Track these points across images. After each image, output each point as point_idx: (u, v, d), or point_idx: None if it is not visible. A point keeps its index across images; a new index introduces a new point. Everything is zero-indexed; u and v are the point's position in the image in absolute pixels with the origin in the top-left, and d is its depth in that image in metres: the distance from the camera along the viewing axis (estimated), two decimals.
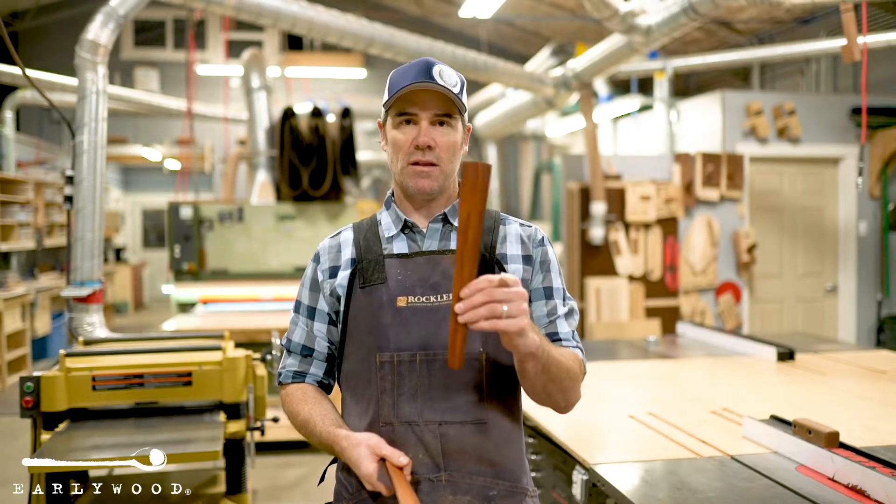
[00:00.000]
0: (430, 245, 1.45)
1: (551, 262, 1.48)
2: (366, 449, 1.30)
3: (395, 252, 1.45)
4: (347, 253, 1.49)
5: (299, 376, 1.54)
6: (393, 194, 1.52)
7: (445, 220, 1.46)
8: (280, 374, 1.56)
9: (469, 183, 1.14)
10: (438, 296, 1.38)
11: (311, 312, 1.51)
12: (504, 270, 1.42)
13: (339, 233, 1.54)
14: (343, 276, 1.46)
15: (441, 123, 1.41)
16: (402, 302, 1.39)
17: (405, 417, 1.37)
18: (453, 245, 1.43)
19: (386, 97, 1.46)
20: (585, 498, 2.06)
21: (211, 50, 11.59)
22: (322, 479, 1.56)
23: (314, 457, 4.71)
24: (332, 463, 1.55)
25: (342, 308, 1.46)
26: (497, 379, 1.40)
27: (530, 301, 1.45)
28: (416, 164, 1.41)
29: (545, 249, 1.48)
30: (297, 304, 1.54)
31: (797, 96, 6.40)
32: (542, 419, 2.36)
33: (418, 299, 1.39)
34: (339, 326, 1.48)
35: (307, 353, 1.53)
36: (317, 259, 1.52)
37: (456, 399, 1.37)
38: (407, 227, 1.47)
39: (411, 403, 1.37)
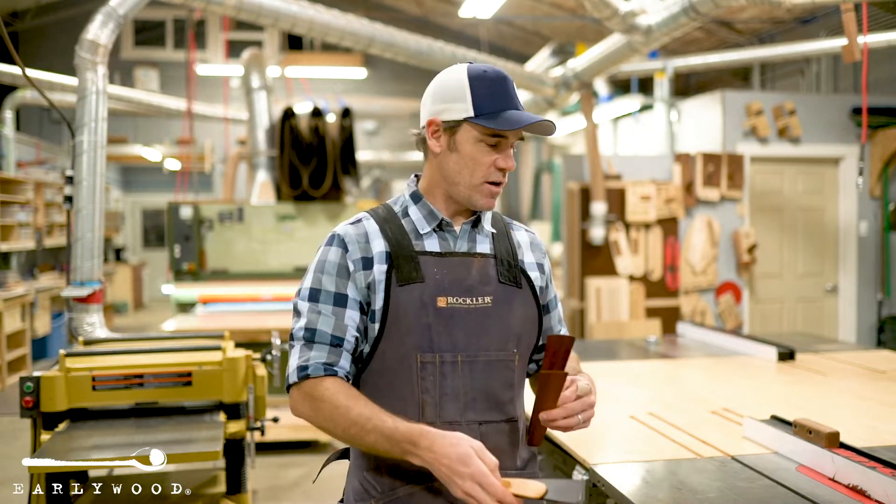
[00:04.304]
0: (461, 246, 1.47)
1: (550, 269, 1.62)
2: (470, 449, 1.22)
3: (428, 250, 1.44)
4: (379, 245, 1.43)
5: (330, 369, 1.39)
6: (417, 186, 1.50)
7: (473, 222, 1.50)
8: (306, 368, 1.38)
9: (551, 352, 1.34)
10: (473, 298, 1.43)
11: (341, 300, 1.42)
12: (528, 279, 1.51)
13: (359, 220, 1.47)
14: (380, 269, 1.41)
15: (511, 146, 1.46)
16: (442, 302, 1.40)
17: (448, 417, 1.38)
18: (479, 247, 1.49)
19: (468, 105, 1.40)
20: (585, 498, 2.05)
21: (211, 50, 11.59)
22: (317, 475, 1.55)
23: (314, 457, 4.71)
24: (333, 460, 1.53)
25: (380, 305, 1.40)
26: (522, 378, 1.50)
27: (548, 311, 1.58)
28: (492, 183, 1.44)
29: (547, 257, 1.60)
30: (314, 291, 1.43)
31: (797, 96, 6.40)
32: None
33: (457, 300, 1.42)
34: (375, 323, 1.41)
35: (336, 342, 1.40)
36: (342, 245, 1.43)
37: (494, 399, 1.43)
38: (440, 226, 1.48)
39: (454, 404, 1.40)
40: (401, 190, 1.77)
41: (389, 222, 1.46)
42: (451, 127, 1.42)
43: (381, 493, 1.40)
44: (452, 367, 1.40)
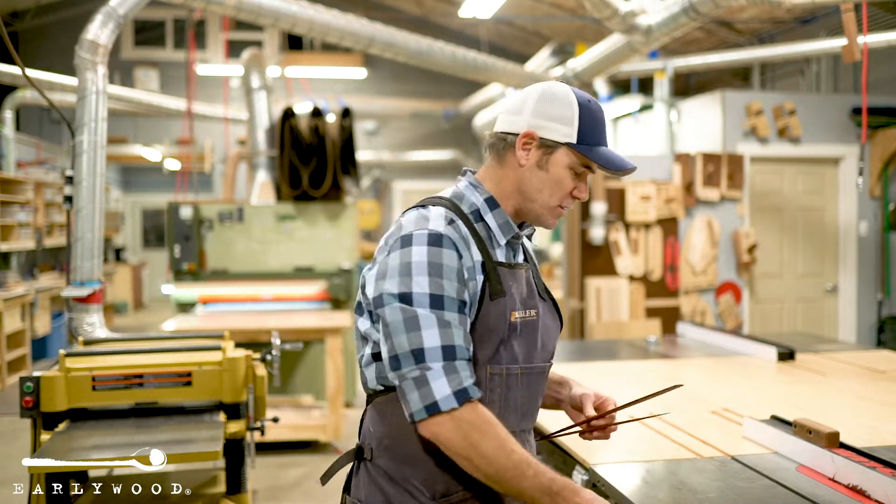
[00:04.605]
0: (518, 258, 1.50)
1: None
2: None
3: (500, 260, 1.42)
4: (476, 254, 1.37)
5: (477, 391, 1.29)
6: (479, 185, 1.46)
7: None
8: (466, 392, 1.27)
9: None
10: (527, 311, 1.44)
11: (463, 308, 1.32)
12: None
13: (452, 221, 1.37)
14: (480, 280, 1.36)
15: None
16: (513, 316, 1.40)
17: (509, 427, 1.36)
18: (519, 258, 1.51)
19: (573, 131, 1.39)
20: None
21: (211, 50, 11.59)
22: (328, 479, 1.51)
23: (314, 457, 4.71)
24: (344, 464, 1.50)
25: (472, 318, 1.35)
26: None
27: None
28: (562, 207, 1.46)
29: None
30: (436, 297, 1.29)
31: (797, 96, 6.40)
32: (542, 419, 2.35)
33: (523, 313, 1.43)
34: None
35: (470, 358, 1.32)
36: (454, 248, 1.33)
37: (536, 408, 1.52)
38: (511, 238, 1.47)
39: (514, 415, 1.43)
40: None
41: (472, 227, 1.40)
42: (549, 146, 1.40)
43: (431, 499, 1.38)
44: (515, 379, 1.42)
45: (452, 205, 1.41)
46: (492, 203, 1.44)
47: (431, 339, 1.27)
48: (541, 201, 1.43)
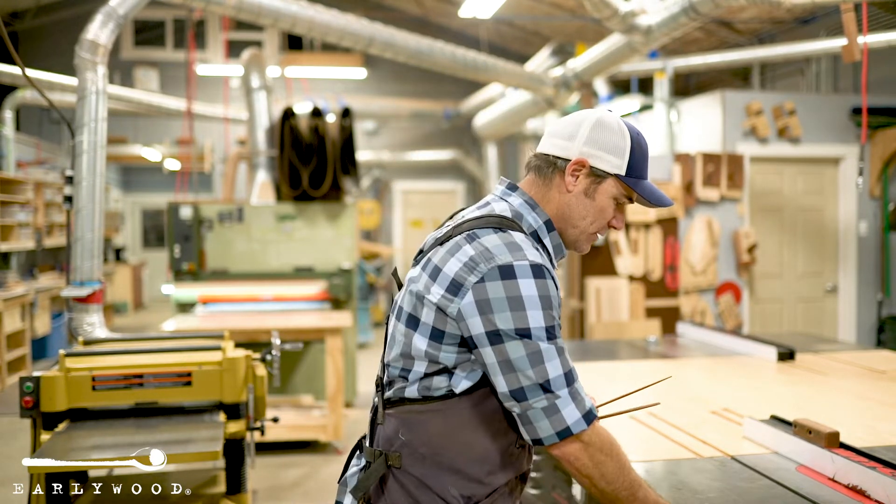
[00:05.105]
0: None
1: None
2: None
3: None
4: (557, 278, 1.42)
5: (596, 411, 1.37)
6: (533, 203, 1.47)
7: None
8: (592, 413, 1.34)
9: None
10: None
11: (561, 332, 1.40)
12: None
13: (536, 249, 1.40)
14: None
15: None
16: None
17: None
18: None
19: (623, 164, 1.45)
20: (585, 498, 2.06)
21: (211, 50, 11.59)
22: (361, 491, 1.47)
23: (314, 457, 4.71)
24: (379, 474, 1.44)
25: None
26: None
27: None
28: (596, 234, 1.50)
29: None
30: (550, 329, 1.33)
31: (797, 96, 6.40)
32: None
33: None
34: None
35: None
36: (552, 278, 1.37)
37: None
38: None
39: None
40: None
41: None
42: (598, 175, 1.44)
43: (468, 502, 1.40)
44: None
45: (518, 227, 1.42)
46: (550, 226, 1.47)
47: (555, 369, 1.32)
48: (582, 227, 1.47)
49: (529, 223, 1.44)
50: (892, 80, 6.47)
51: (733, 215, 6.01)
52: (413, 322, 1.40)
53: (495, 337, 1.32)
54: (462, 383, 1.39)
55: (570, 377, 1.33)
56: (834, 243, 6.42)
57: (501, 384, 1.33)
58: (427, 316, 1.38)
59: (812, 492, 1.73)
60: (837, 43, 5.88)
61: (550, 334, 1.32)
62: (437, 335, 1.37)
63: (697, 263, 5.91)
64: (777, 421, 2.14)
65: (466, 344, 1.36)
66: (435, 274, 1.38)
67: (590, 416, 1.33)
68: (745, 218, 6.06)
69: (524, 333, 1.31)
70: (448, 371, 1.39)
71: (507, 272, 1.32)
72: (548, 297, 1.33)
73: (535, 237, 1.44)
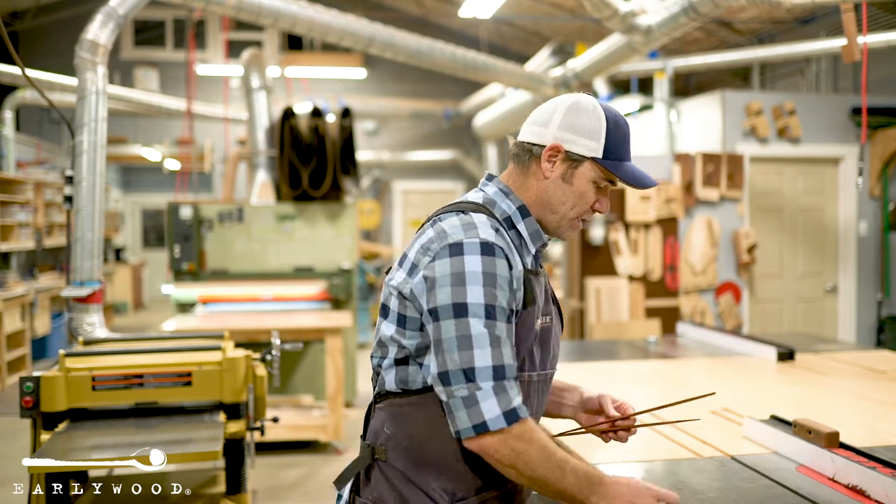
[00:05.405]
0: (538, 265, 1.50)
1: None
2: (646, 490, 1.31)
3: (530, 268, 1.43)
4: (517, 261, 1.38)
5: (525, 412, 1.31)
6: (511, 192, 1.46)
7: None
8: (515, 412, 1.28)
9: None
10: (546, 318, 1.46)
11: (510, 317, 1.34)
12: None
13: (498, 229, 1.38)
14: (520, 290, 1.37)
15: None
16: (537, 323, 1.41)
17: None
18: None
19: (599, 146, 1.40)
20: None
21: (211, 50, 11.59)
22: (344, 483, 1.48)
23: (314, 456, 4.71)
24: (362, 466, 1.45)
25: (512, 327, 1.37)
26: None
27: None
28: (581, 220, 1.47)
29: None
30: (490, 308, 1.29)
31: (797, 96, 6.40)
32: (541, 419, 2.35)
33: (543, 320, 1.44)
34: None
35: (517, 374, 1.33)
36: (504, 257, 1.34)
37: (542, 414, 1.56)
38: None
39: (533, 420, 1.44)
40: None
41: (507, 235, 1.41)
42: (574, 160, 1.42)
43: (450, 502, 1.39)
44: (534, 386, 1.45)
45: (487, 211, 1.41)
46: (524, 211, 1.45)
47: (483, 358, 1.27)
48: (562, 213, 1.45)
49: (503, 210, 1.44)
50: (892, 80, 6.47)
51: (733, 215, 6.01)
52: (384, 311, 1.42)
53: (434, 313, 1.31)
54: None
55: (499, 372, 1.27)
56: (834, 243, 6.42)
57: (434, 366, 1.31)
58: (394, 303, 1.39)
59: (812, 492, 1.73)
60: (837, 43, 5.88)
61: (490, 314, 1.28)
62: (401, 321, 1.38)
63: (697, 263, 5.91)
64: (777, 421, 2.14)
65: (425, 327, 1.36)
66: (402, 260, 1.42)
67: (512, 416, 1.27)
68: (745, 218, 6.06)
69: (460, 310, 1.28)
70: (414, 358, 1.38)
71: (455, 249, 1.32)
72: (492, 275, 1.30)
73: (509, 223, 1.44)
